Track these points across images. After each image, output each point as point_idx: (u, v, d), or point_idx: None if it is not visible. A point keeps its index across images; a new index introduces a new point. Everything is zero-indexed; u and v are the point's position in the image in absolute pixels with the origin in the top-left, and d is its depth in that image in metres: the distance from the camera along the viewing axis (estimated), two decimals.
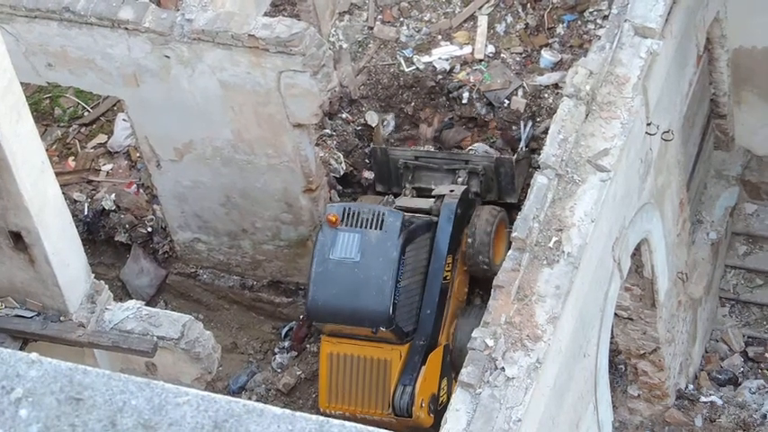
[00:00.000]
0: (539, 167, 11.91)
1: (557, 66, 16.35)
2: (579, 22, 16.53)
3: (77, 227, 12.24)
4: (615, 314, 13.58)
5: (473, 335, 10.97)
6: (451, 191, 14.71)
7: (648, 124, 13.05)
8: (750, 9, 15.01)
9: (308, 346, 15.89)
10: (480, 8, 16.99)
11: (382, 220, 13.87)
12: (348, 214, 13.97)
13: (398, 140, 16.16)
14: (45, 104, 17.68)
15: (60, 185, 11.45)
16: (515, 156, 15.10)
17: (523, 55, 16.60)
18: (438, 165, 15.09)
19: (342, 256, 13.77)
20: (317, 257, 13.91)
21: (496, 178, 15.00)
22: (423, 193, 14.87)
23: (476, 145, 15.83)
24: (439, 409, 13.74)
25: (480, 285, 14.72)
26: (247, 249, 16.02)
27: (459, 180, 14.97)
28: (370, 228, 13.85)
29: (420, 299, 13.98)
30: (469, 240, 14.38)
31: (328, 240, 13.88)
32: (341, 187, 16.22)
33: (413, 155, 15.33)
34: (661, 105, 13.45)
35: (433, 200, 14.74)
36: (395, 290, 13.60)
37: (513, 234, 11.48)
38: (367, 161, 15.88)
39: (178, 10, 14.01)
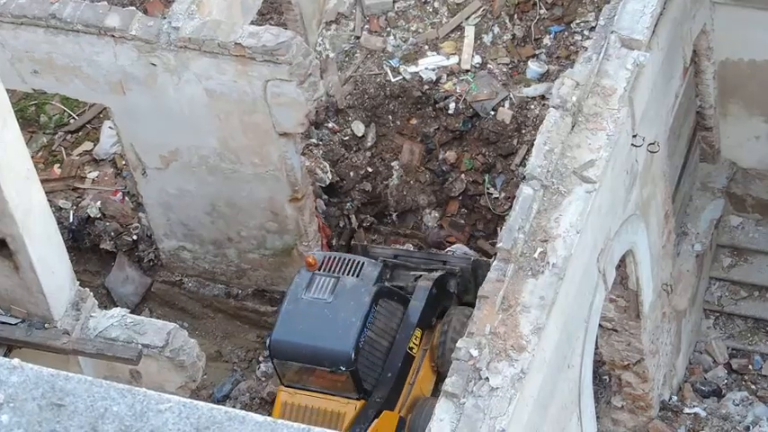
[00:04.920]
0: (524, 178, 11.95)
1: (543, 77, 16.41)
2: (566, 34, 16.59)
3: (62, 234, 12.25)
4: (600, 325, 13.59)
5: (458, 345, 10.99)
6: (430, 273, 14.95)
7: (634, 136, 13.07)
8: (737, 21, 15.08)
9: None
10: (467, 18, 17.04)
11: (360, 268, 14.14)
12: (328, 261, 14.24)
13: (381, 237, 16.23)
14: (31, 111, 17.66)
15: (46, 193, 11.44)
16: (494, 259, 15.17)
17: (510, 66, 16.65)
18: (416, 264, 15.28)
19: (314, 296, 13.95)
20: (290, 296, 14.08)
21: (474, 280, 15.12)
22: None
23: (455, 246, 15.93)
24: None
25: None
26: (232, 258, 16.01)
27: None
28: (348, 274, 14.10)
29: (384, 362, 14.11)
30: (441, 339, 14.58)
31: (304, 282, 14.09)
32: (327, 197, 16.24)
33: (392, 253, 15.51)
34: (647, 117, 13.48)
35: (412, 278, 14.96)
36: (361, 333, 13.72)
37: (499, 245, 11.49)
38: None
39: (165, 18, 14.02)
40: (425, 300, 14.49)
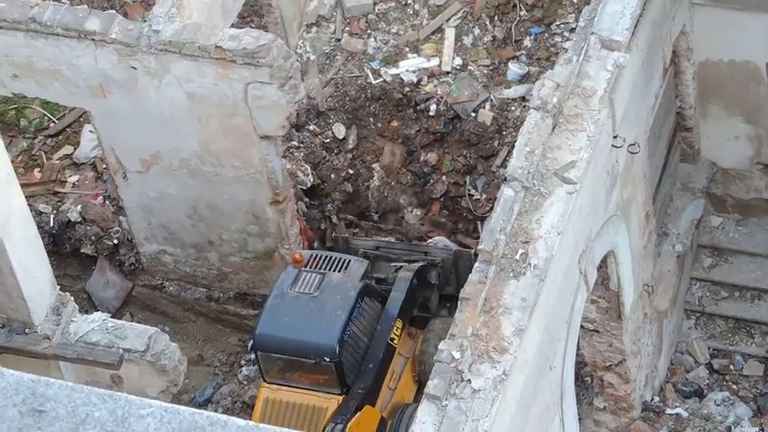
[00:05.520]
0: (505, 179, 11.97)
1: (524, 78, 16.44)
2: (546, 35, 16.62)
3: (43, 239, 12.21)
4: (581, 326, 13.63)
5: (440, 347, 11.00)
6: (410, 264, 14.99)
7: (615, 137, 13.10)
8: (716, 22, 15.13)
9: None
10: (448, 20, 17.06)
11: (347, 265, 14.21)
12: (315, 258, 14.32)
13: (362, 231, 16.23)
14: (10, 115, 17.60)
15: (26, 197, 11.41)
16: (475, 249, 15.23)
17: (491, 67, 16.68)
18: (397, 255, 15.34)
19: (300, 291, 14.02)
20: (275, 291, 14.16)
21: (455, 271, 15.19)
22: (381, 283, 15.00)
23: (436, 238, 15.96)
24: None
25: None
26: (214, 261, 16.00)
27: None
28: (334, 271, 14.18)
29: (365, 357, 14.13)
30: (423, 348, 14.63)
31: (290, 278, 14.18)
32: (308, 199, 16.24)
33: (373, 245, 15.56)
34: (627, 118, 13.51)
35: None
36: (346, 327, 13.77)
37: (480, 246, 11.50)
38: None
39: (145, 21, 14.00)
40: (406, 291, 14.54)
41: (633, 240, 14.36)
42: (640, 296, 14.95)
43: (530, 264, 11.46)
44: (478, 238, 15.56)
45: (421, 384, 14.63)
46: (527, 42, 16.69)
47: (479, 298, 11.21)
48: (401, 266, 14.95)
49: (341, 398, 13.95)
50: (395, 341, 14.39)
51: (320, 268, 14.19)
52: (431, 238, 16.10)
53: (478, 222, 15.99)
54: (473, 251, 15.03)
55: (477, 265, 11.46)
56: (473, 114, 16.36)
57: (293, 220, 15.41)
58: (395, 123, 16.65)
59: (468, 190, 16.31)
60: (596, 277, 13.31)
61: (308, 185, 16.22)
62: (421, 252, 15.38)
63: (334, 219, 16.35)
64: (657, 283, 15.62)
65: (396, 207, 16.56)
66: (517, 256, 11.49)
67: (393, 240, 15.86)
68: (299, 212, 15.79)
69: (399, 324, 14.45)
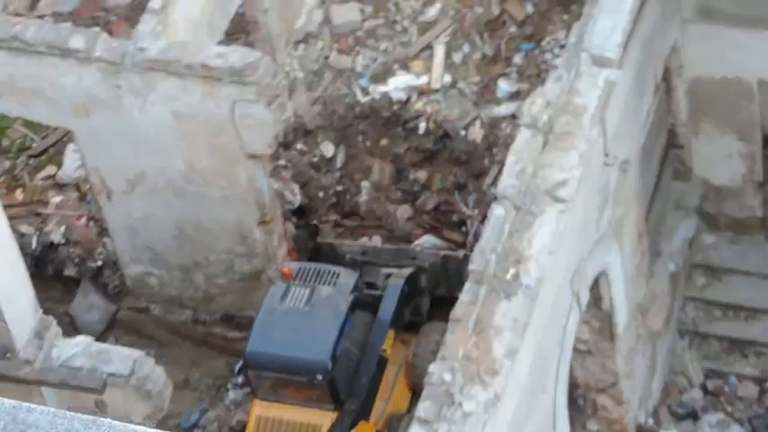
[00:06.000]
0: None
1: (514, 96, 16.41)
2: (537, 52, 16.61)
3: (25, 261, 12.11)
4: (574, 348, 13.59)
5: (429, 369, 10.93)
6: (400, 270, 14.92)
7: (606, 155, 13.11)
8: (708, 39, 15.16)
9: None
10: (437, 37, 17.04)
11: (336, 278, 14.17)
12: (303, 271, 14.26)
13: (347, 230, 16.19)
14: None
15: (8, 218, 11.32)
16: (464, 252, 15.20)
17: (480, 85, 16.65)
18: (385, 260, 15.30)
19: (290, 306, 13.97)
20: (265, 307, 14.09)
21: (444, 274, 15.16)
22: (370, 287, 14.94)
23: (424, 238, 15.91)
24: None
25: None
26: (200, 283, 15.93)
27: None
28: (324, 284, 14.13)
29: (357, 371, 14.07)
30: (416, 355, 14.54)
31: (279, 292, 14.12)
32: (296, 219, 16.18)
33: (360, 250, 15.51)
34: (619, 136, 13.52)
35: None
36: (338, 342, 13.70)
37: (471, 266, 11.48)
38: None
39: (130, 39, 13.96)
40: (397, 299, 14.48)
41: (626, 260, 14.35)
42: (633, 317, 14.91)
43: (521, 284, 11.47)
44: (466, 234, 15.58)
45: (415, 392, 14.54)
46: (517, 59, 16.66)
47: (470, 319, 11.21)
48: (391, 274, 14.84)
49: (335, 414, 13.86)
50: (387, 352, 14.34)
51: (309, 281, 14.15)
52: (418, 236, 16.03)
53: (468, 221, 15.89)
54: (462, 254, 15.02)
55: (467, 285, 11.44)
56: (463, 132, 16.31)
57: (281, 240, 15.36)
58: (384, 142, 16.62)
59: (459, 207, 16.24)
60: (589, 298, 13.29)
61: (296, 205, 16.16)
62: (409, 256, 15.30)
63: (321, 219, 16.21)
64: (651, 304, 15.60)
65: (385, 213, 16.44)
66: (508, 277, 11.49)
67: (380, 246, 15.76)
68: (286, 233, 15.73)
69: (391, 334, 14.40)
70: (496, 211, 11.74)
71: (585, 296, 13.07)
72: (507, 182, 11.86)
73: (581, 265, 12.82)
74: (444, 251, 15.38)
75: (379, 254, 15.43)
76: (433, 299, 15.27)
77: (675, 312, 16.47)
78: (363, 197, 16.48)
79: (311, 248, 15.98)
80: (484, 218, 15.17)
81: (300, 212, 16.23)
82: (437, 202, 16.38)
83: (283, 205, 15.86)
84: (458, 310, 11.29)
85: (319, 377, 13.64)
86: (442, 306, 14.81)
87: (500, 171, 15.18)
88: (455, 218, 16.16)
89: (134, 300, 16.39)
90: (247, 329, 15.53)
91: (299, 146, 16.63)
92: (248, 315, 15.78)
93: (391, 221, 16.20)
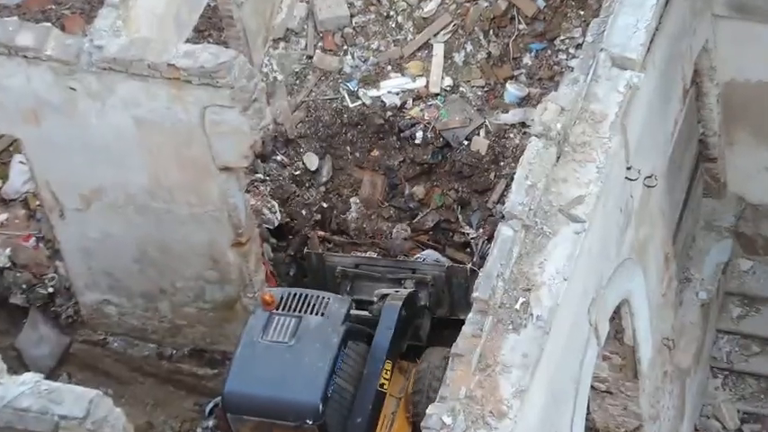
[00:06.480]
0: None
1: (523, 101, 16.54)
2: (549, 52, 16.74)
3: None
4: (592, 387, 13.65)
5: (427, 411, 11.02)
6: (396, 291, 14.94)
7: (629, 168, 13.19)
8: (742, 38, 15.26)
9: None
10: (436, 35, 17.15)
11: (326, 306, 14.12)
12: (288, 298, 14.20)
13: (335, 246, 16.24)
14: None
15: None
16: (470, 264, 15.27)
17: (485, 88, 16.77)
18: (381, 273, 15.33)
19: (273, 339, 13.94)
20: (244, 340, 14.04)
21: (448, 290, 15.21)
22: (363, 305, 14.97)
23: (425, 252, 16.00)
24: None
25: None
26: (165, 313, 15.99)
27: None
28: (311, 313, 14.08)
29: (351, 409, 14.06)
30: (417, 386, 14.54)
31: (260, 323, 14.06)
32: (275, 240, 16.25)
33: (352, 262, 15.52)
34: (643, 146, 13.59)
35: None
36: (329, 381, 13.69)
37: (475, 294, 11.53)
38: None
39: (86, 35, 14.04)
40: (395, 325, 14.44)
41: (650, 287, 14.41)
42: (659, 352, 14.97)
43: (532, 314, 11.48)
44: (472, 254, 15.64)
45: (415, 426, 14.55)
46: (527, 60, 16.79)
47: (474, 354, 11.21)
48: (387, 294, 14.86)
49: None
50: (385, 386, 14.31)
51: (295, 310, 14.10)
52: (415, 254, 16.08)
53: (472, 243, 15.97)
54: (468, 265, 15.03)
55: (470, 315, 11.47)
56: (465, 142, 16.44)
57: (258, 264, 15.42)
58: (375, 153, 16.72)
59: (461, 226, 16.37)
60: (608, 330, 13.34)
61: (276, 225, 16.23)
62: (408, 269, 15.35)
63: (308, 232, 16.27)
64: (679, 337, 15.66)
65: (378, 231, 16.54)
66: (517, 306, 11.52)
67: (375, 256, 15.80)
68: (264, 256, 15.81)
69: (389, 366, 14.38)
70: (504, 231, 11.76)
71: (605, 328, 13.10)
72: (516, 199, 11.86)
73: (600, 293, 12.86)
74: (449, 264, 15.37)
75: (374, 266, 15.40)
76: (434, 319, 15.27)
77: (707, 347, 16.53)
78: (353, 214, 16.57)
79: (298, 260, 15.94)
80: (490, 238, 15.34)
81: (280, 233, 16.32)
82: (437, 220, 16.50)
83: (261, 225, 15.94)
84: (460, 344, 11.30)
85: (309, 421, 13.64)
86: (445, 327, 14.91)
87: (507, 187, 15.38)
88: (457, 238, 16.29)
89: (90, 331, 16.42)
90: (219, 366, 15.60)
91: (280, 157, 16.72)
92: (220, 349, 15.87)
93: (386, 241, 16.29)
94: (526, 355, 11.32)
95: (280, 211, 16.26)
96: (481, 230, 16.13)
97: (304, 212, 16.54)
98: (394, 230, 16.38)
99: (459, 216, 16.39)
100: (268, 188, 16.34)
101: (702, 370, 16.54)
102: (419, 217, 16.50)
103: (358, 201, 16.68)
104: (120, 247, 15.42)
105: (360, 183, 16.71)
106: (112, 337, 16.37)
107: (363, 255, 15.86)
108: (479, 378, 11.17)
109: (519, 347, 11.36)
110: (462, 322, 13.84)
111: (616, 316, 13.78)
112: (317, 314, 14.07)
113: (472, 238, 16.02)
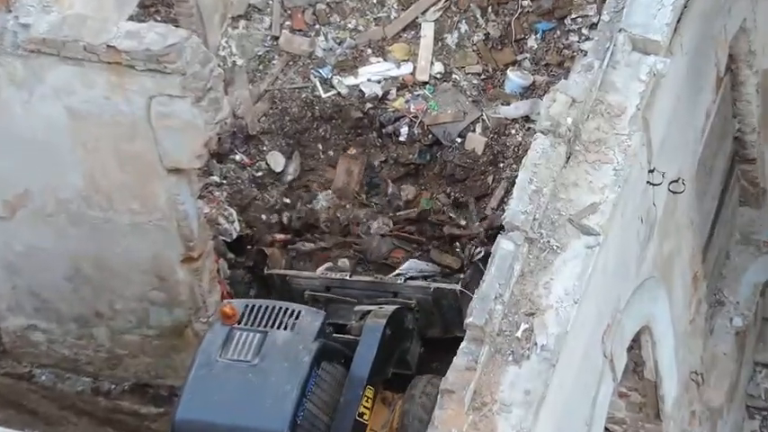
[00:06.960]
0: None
1: (528, 91, 16.53)
2: (558, 33, 16.75)
3: None
4: (606, 429, 13.64)
5: None
6: (380, 307, 15.01)
7: (651, 171, 13.20)
8: None
9: None
10: (424, 12, 17.17)
11: (296, 319, 14.15)
12: (251, 311, 14.25)
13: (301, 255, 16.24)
14: None
15: None
16: (460, 282, 15.26)
17: (483, 76, 16.79)
18: (357, 297, 15.37)
19: (234, 358, 13.96)
20: (200, 359, 14.05)
21: (438, 312, 15.26)
22: (341, 331, 14.96)
23: (408, 263, 15.96)
24: None
25: None
26: (103, 341, 15.92)
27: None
28: (279, 327, 14.12)
29: None
30: (404, 420, 14.51)
31: (219, 339, 14.07)
32: (233, 255, 16.21)
33: (322, 284, 15.56)
34: (668, 145, 13.62)
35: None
36: (298, 406, 13.68)
37: (468, 320, 11.49)
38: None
39: (10, 11, 13.99)
40: (378, 345, 14.49)
41: (676, 311, 14.46)
42: (686, 388, 15.04)
43: (536, 343, 11.49)
44: (462, 259, 15.59)
45: None
46: (532, 42, 16.81)
47: (467, 390, 11.21)
48: (369, 311, 14.90)
49: None
50: (365, 416, 14.32)
51: (260, 324, 14.11)
52: (396, 259, 16.01)
53: (464, 240, 15.94)
54: (458, 287, 15.06)
55: (464, 345, 11.51)
56: (459, 140, 16.43)
57: (212, 283, 15.38)
58: (353, 151, 16.72)
59: (453, 219, 16.29)
60: (626, 362, 13.38)
61: (234, 237, 16.18)
62: (388, 292, 15.39)
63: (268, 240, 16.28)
64: (709, 371, 15.72)
65: (353, 221, 16.48)
66: (519, 334, 11.53)
67: (348, 278, 15.80)
68: (219, 274, 15.74)
69: (370, 393, 14.40)
70: (503, 245, 11.79)
71: (622, 360, 13.14)
72: (518, 207, 11.87)
73: (616, 319, 12.88)
74: (435, 284, 15.39)
75: (347, 289, 15.44)
76: (425, 342, 15.32)
77: (742, 383, 16.59)
78: (321, 203, 16.53)
79: (259, 278, 16.00)
80: (487, 236, 15.32)
81: (239, 246, 16.27)
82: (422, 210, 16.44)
83: (216, 236, 15.90)
84: (450, 378, 11.29)
85: None
86: (437, 351, 14.88)
87: (508, 192, 15.31)
88: (446, 231, 16.21)
89: (13, 363, 16.37)
90: (165, 403, 15.55)
91: (239, 157, 16.71)
92: (167, 384, 15.85)
93: (363, 242, 16.23)
94: (529, 392, 11.32)
95: (238, 220, 16.26)
96: (476, 224, 16.05)
97: (264, 217, 16.50)
98: (374, 225, 16.32)
99: (452, 215, 16.34)
100: (225, 193, 16.32)
101: (737, 410, 16.65)
102: (402, 212, 16.42)
103: (330, 192, 16.61)
104: (50, 263, 15.37)
105: (331, 183, 16.67)
106: (40, 370, 16.33)
107: (335, 276, 15.81)
108: (473, 418, 11.18)
109: (520, 382, 11.36)
110: (460, 340, 13.94)
111: (635, 345, 13.86)
112: (285, 329, 14.08)
113: (466, 235, 15.92)
